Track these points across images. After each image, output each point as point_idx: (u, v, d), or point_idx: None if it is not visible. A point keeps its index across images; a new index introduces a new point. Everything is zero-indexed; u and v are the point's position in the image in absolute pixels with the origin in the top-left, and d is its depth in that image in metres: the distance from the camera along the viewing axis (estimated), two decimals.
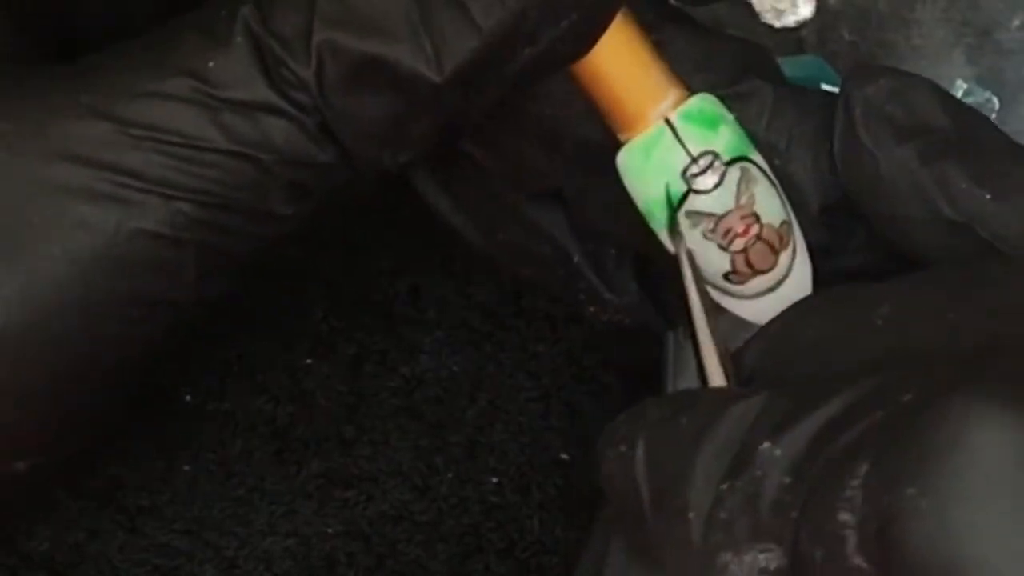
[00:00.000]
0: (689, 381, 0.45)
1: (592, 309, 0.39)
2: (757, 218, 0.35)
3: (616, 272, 0.39)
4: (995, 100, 0.46)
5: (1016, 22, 0.46)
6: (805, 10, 0.46)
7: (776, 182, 0.35)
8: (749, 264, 0.35)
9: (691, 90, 0.35)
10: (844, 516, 0.23)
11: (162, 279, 0.32)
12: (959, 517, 0.22)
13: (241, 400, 0.47)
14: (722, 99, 0.35)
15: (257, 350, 0.47)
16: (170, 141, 0.31)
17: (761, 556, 0.25)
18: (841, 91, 0.35)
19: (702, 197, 0.34)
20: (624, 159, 0.35)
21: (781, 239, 0.35)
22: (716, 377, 0.32)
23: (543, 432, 0.47)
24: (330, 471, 0.46)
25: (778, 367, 0.31)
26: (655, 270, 0.39)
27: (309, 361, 0.47)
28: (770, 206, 0.35)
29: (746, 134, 0.35)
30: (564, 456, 0.47)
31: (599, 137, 0.36)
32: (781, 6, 0.46)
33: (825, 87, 0.44)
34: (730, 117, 0.35)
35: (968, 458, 0.22)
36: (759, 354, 0.32)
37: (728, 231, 0.34)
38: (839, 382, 0.26)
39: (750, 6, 0.45)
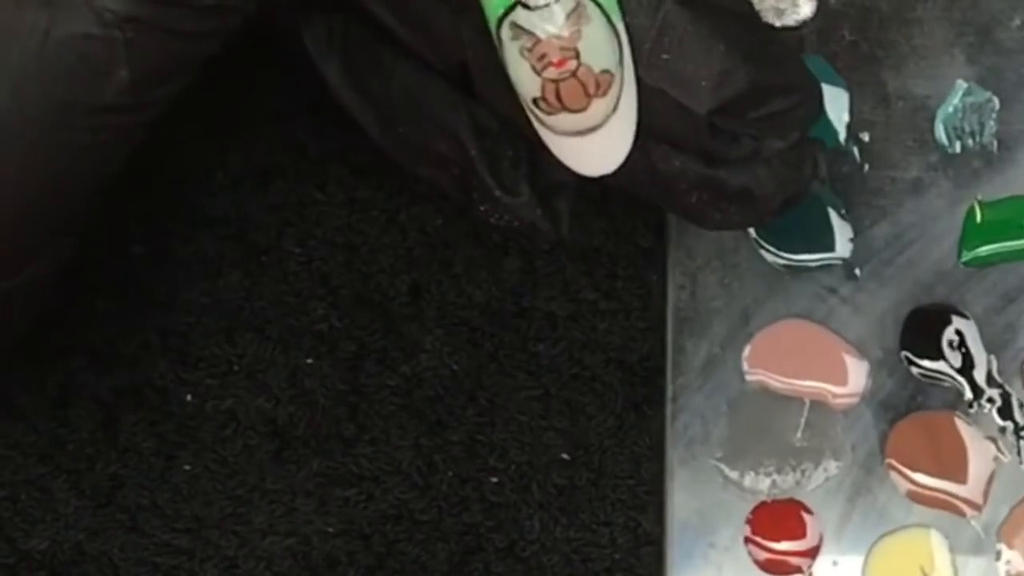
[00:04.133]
0: (689, 378, 0.45)
1: (483, 208, 0.39)
2: (577, 55, 0.34)
3: (510, 172, 0.39)
4: (995, 99, 0.46)
5: (1016, 21, 0.46)
6: (806, 9, 0.46)
7: (620, 33, 0.35)
8: (559, 97, 0.35)
9: None
10: None
11: (96, 82, 0.32)
12: None
13: (241, 400, 0.47)
14: None
15: (257, 350, 0.47)
16: None
17: None
18: None
19: (528, 12, 0.34)
20: None
21: (598, 85, 0.35)
22: None
23: (543, 432, 0.47)
24: (330, 470, 0.46)
25: None
26: (548, 178, 0.39)
27: (309, 361, 0.47)
28: (596, 49, 0.34)
29: None
30: (564, 456, 0.47)
31: None
32: (782, 5, 0.46)
33: (825, 87, 0.44)
34: None
35: None
36: None
37: (543, 56, 0.34)
38: None
39: (751, 5, 0.45)
